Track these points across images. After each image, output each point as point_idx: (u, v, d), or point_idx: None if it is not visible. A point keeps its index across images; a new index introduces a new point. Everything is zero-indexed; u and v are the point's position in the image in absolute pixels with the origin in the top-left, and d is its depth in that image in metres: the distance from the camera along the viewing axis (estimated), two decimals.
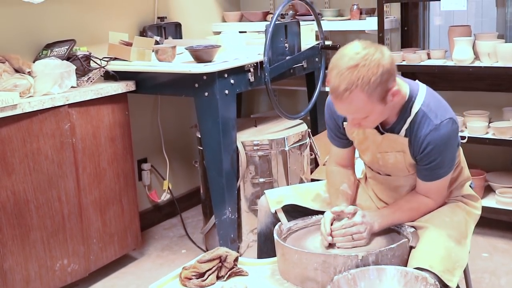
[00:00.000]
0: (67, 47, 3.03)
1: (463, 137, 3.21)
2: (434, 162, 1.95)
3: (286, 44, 3.33)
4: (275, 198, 2.28)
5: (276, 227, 2.13)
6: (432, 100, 1.97)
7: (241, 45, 3.48)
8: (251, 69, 3.15)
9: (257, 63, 3.17)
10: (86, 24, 3.41)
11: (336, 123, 2.16)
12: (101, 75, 3.14)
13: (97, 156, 3.02)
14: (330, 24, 3.94)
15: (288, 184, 3.22)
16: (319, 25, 3.57)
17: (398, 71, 3.71)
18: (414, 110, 1.95)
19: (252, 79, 3.16)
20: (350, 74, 1.78)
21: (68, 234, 2.91)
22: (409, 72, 3.72)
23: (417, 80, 2.08)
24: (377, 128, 2.03)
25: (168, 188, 3.94)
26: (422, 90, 2.00)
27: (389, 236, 2.04)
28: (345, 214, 2.02)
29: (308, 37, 3.70)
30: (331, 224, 2.02)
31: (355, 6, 3.90)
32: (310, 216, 2.24)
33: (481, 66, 3.28)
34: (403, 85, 1.98)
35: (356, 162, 2.36)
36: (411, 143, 1.97)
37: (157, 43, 3.45)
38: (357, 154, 2.26)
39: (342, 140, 2.19)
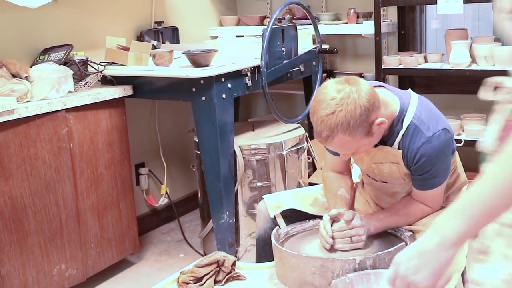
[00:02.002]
0: (64, 52, 3.03)
1: (459, 141, 3.21)
2: (428, 173, 1.96)
3: (283, 48, 3.34)
4: (274, 203, 2.28)
5: (274, 231, 2.13)
6: (423, 111, 1.97)
7: (238, 49, 3.48)
8: (248, 73, 3.15)
9: (254, 67, 3.17)
10: (83, 29, 3.41)
11: None
12: (98, 80, 3.14)
13: (95, 161, 3.02)
14: (327, 28, 3.95)
15: (285, 188, 3.22)
16: (316, 29, 3.58)
17: (396, 75, 3.74)
18: (406, 123, 1.95)
19: (249, 83, 3.16)
20: (329, 121, 1.81)
21: (66, 239, 2.91)
22: (406, 75, 3.73)
23: (409, 89, 2.08)
24: None
25: (166, 192, 3.94)
26: (414, 101, 1.99)
27: (386, 240, 2.05)
28: (342, 216, 2.02)
29: (305, 41, 3.70)
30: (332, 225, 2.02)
31: (352, 10, 3.91)
32: (307, 220, 2.24)
33: (478, 70, 3.29)
34: (391, 101, 1.97)
35: (353, 166, 2.36)
36: (404, 155, 1.97)
37: (154, 47, 3.46)
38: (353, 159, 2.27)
39: None
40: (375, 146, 2.02)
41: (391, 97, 1.99)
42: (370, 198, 2.28)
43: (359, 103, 1.81)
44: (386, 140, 2.00)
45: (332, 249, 1.99)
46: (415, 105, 1.98)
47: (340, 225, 2.00)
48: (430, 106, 2.03)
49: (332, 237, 1.99)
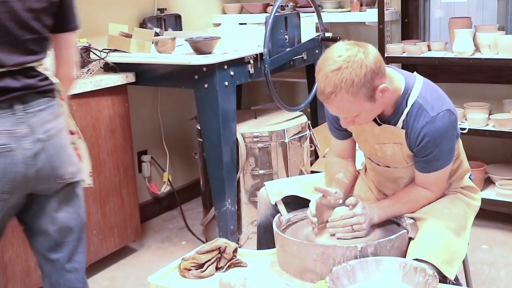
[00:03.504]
0: None
1: (463, 129, 3.21)
2: (431, 154, 1.95)
3: (286, 36, 3.33)
4: (275, 190, 2.28)
5: (276, 218, 2.13)
6: (429, 91, 1.97)
7: (241, 37, 3.47)
8: (251, 61, 3.14)
9: (257, 54, 3.16)
10: (86, 15, 3.37)
11: (334, 115, 2.16)
12: (100, 67, 3.13)
13: (97, 148, 3.02)
14: (330, 15, 3.93)
15: (287, 176, 3.22)
16: (319, 16, 3.56)
17: (399, 63, 3.74)
18: (410, 102, 1.95)
19: (252, 70, 3.15)
20: (334, 77, 1.81)
21: None
22: (410, 64, 3.72)
23: (415, 72, 2.08)
24: (374, 119, 2.03)
25: (168, 180, 3.94)
26: (419, 82, 1.99)
27: (388, 228, 2.05)
28: (329, 193, 2.02)
29: (308, 29, 3.69)
30: (332, 214, 2.02)
31: None
32: None
33: (481, 58, 3.28)
34: (397, 78, 1.98)
35: (356, 154, 2.36)
36: (407, 135, 1.97)
37: (157, 34, 3.45)
38: (357, 145, 2.26)
39: (342, 131, 2.20)
40: (379, 125, 2.02)
41: (396, 75, 1.99)
42: (373, 184, 2.28)
43: (366, 63, 1.81)
44: (390, 120, 1.99)
45: (333, 237, 1.99)
46: (420, 85, 1.98)
47: (340, 213, 2.00)
48: (435, 87, 2.03)
49: (326, 221, 2.01)
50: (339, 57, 1.82)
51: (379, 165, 2.17)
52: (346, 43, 1.88)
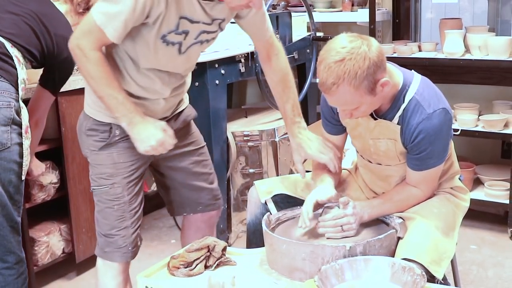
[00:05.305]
0: None
1: (455, 130, 3.22)
2: (424, 151, 1.96)
3: (277, 35, 3.30)
4: (265, 189, 2.27)
5: (265, 217, 2.12)
6: (426, 89, 1.98)
7: (232, 36, 3.46)
8: (242, 60, 3.14)
9: (248, 53, 3.16)
10: None
11: (330, 109, 2.16)
12: None
13: None
14: (322, 15, 3.94)
15: (278, 175, 3.22)
16: (310, 16, 3.57)
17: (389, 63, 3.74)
18: (408, 98, 1.96)
19: (243, 69, 3.15)
20: (336, 68, 1.80)
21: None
22: (400, 64, 3.72)
23: (413, 70, 2.09)
24: (370, 114, 2.03)
25: None
26: (417, 79, 2.01)
27: (377, 227, 2.05)
28: (332, 200, 2.03)
29: (299, 28, 3.69)
30: (323, 213, 2.03)
31: None
32: (298, 207, 2.23)
33: (471, 59, 3.30)
34: (396, 73, 1.99)
35: (347, 153, 2.36)
36: (403, 131, 1.98)
37: None
38: (349, 145, 2.27)
39: (336, 126, 2.19)
40: (375, 119, 2.02)
41: (395, 70, 2.00)
42: (363, 183, 2.28)
43: (369, 56, 1.82)
44: (386, 115, 2.00)
45: (322, 236, 2.00)
46: (418, 82, 1.99)
47: (332, 214, 2.00)
48: (433, 86, 2.04)
49: (314, 219, 2.01)
50: (343, 49, 1.82)
51: (371, 162, 2.17)
52: (349, 35, 1.88)
